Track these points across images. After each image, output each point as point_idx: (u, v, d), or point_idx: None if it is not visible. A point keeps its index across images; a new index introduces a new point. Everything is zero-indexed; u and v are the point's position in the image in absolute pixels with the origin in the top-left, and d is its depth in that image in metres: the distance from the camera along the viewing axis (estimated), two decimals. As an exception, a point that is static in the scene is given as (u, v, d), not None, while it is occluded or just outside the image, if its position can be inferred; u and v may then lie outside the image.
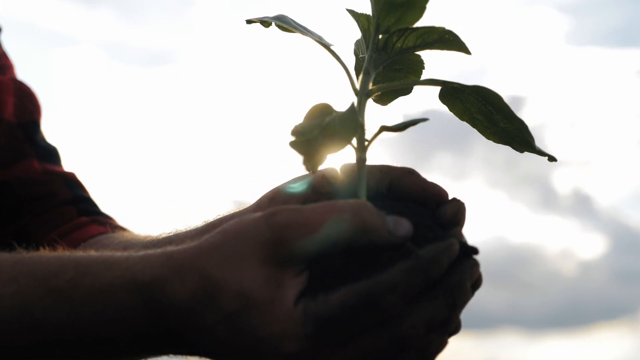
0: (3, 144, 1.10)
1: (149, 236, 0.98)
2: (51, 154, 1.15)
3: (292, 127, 0.69)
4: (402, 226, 0.67)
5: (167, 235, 0.93)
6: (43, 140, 1.16)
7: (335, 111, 0.71)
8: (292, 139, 0.68)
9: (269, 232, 0.65)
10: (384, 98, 0.79)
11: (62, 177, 1.13)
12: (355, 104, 0.74)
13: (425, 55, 0.78)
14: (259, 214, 0.67)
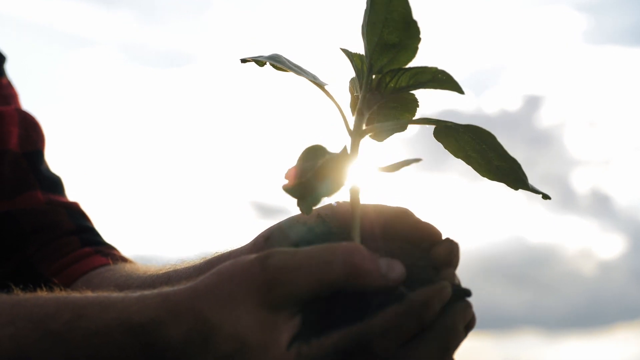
0: (7, 175, 1.11)
1: (149, 269, 0.99)
2: (55, 184, 1.16)
3: (285, 170, 0.69)
4: (395, 269, 0.67)
5: (167, 270, 0.94)
6: (47, 170, 1.17)
7: (328, 153, 0.71)
8: (285, 182, 0.68)
9: (262, 275, 0.66)
10: (380, 135, 0.80)
11: (65, 207, 1.14)
12: (350, 144, 0.75)
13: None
14: (253, 256, 0.68)
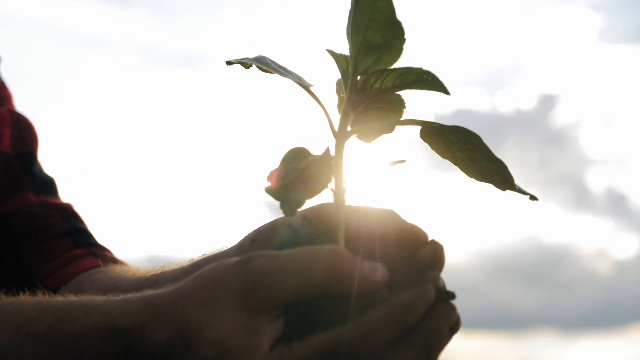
0: (0, 177, 1.12)
1: (138, 271, 0.99)
2: (47, 185, 1.16)
3: (268, 172, 0.69)
4: (377, 272, 0.67)
5: (155, 273, 0.94)
6: (40, 171, 1.17)
7: (311, 155, 0.71)
8: (267, 184, 0.68)
9: (243, 279, 0.66)
10: (368, 136, 0.79)
11: (58, 209, 1.14)
12: (334, 146, 0.74)
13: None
14: (235, 259, 0.67)
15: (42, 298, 0.73)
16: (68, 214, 1.15)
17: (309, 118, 0.80)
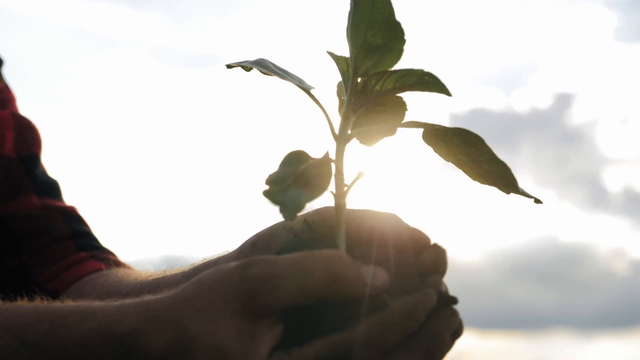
0: (2, 180, 1.11)
1: (140, 275, 0.99)
2: (51, 188, 1.16)
3: (266, 175, 0.68)
4: (378, 277, 0.66)
5: (156, 277, 0.93)
6: (43, 174, 1.16)
7: (311, 158, 0.70)
8: (266, 187, 0.67)
9: (242, 284, 0.65)
10: (369, 139, 0.79)
11: (61, 212, 1.13)
12: (335, 149, 0.73)
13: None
14: (233, 264, 0.67)
15: (39, 303, 0.72)
16: (71, 216, 1.14)
17: (310, 121, 0.79)
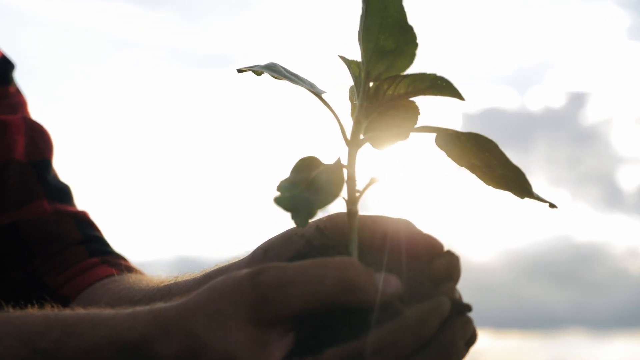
0: (13, 185, 1.10)
1: (152, 281, 0.98)
2: (62, 193, 1.15)
3: (277, 182, 0.68)
4: (391, 284, 0.65)
5: (168, 283, 0.93)
6: (54, 179, 1.16)
7: (322, 164, 0.69)
8: (277, 194, 0.67)
9: (253, 291, 0.64)
10: (382, 144, 0.78)
11: (72, 217, 1.13)
12: (347, 154, 0.73)
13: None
14: (245, 271, 0.66)
15: (49, 311, 0.72)
16: (83, 221, 1.14)
17: (322, 125, 0.79)
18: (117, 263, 1.10)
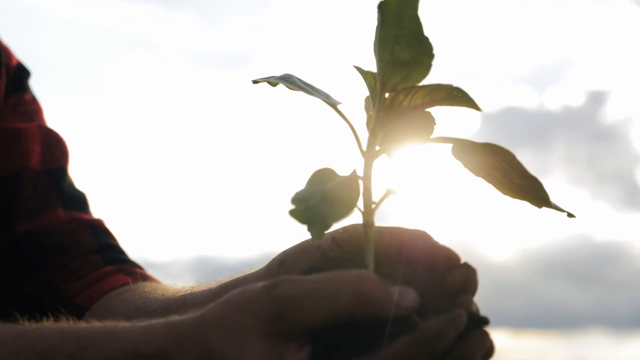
0: (28, 193, 1.11)
1: (167, 291, 0.98)
2: (78, 201, 1.15)
3: (293, 194, 0.67)
4: (407, 297, 0.65)
5: (184, 294, 0.93)
6: (70, 186, 1.16)
7: (338, 176, 0.69)
8: (292, 207, 0.66)
9: (269, 305, 0.64)
10: (397, 154, 0.78)
11: (88, 225, 1.13)
12: (363, 165, 0.72)
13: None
14: (261, 284, 0.66)
15: (64, 324, 0.72)
16: (98, 229, 1.14)
17: (338, 136, 0.78)
18: (132, 271, 1.10)
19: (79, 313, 1.04)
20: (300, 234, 0.80)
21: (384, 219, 0.74)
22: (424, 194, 0.79)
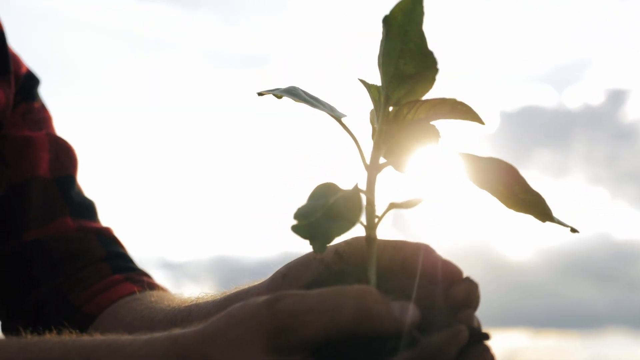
0: (37, 202, 1.11)
1: (173, 301, 0.98)
2: (86, 209, 1.16)
3: (295, 209, 0.67)
4: (408, 313, 0.65)
5: (189, 304, 0.93)
6: (78, 195, 1.16)
7: (341, 190, 0.69)
8: (294, 222, 0.66)
9: (271, 319, 0.64)
10: (402, 167, 0.78)
11: (96, 233, 1.13)
12: (366, 179, 0.72)
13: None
14: (262, 298, 0.66)
15: (66, 338, 0.72)
16: (106, 238, 1.14)
17: (343, 150, 0.78)
18: (140, 280, 1.10)
19: (86, 321, 1.04)
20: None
21: (386, 232, 0.74)
22: (437, 201, 0.79)
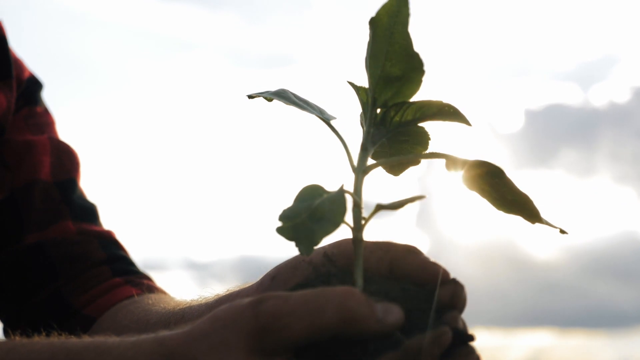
0: (38, 205, 1.12)
1: (169, 303, 0.99)
2: (88, 213, 1.16)
3: (280, 211, 0.68)
4: (392, 314, 0.65)
5: (183, 307, 0.93)
6: (80, 198, 1.17)
7: (326, 192, 0.69)
8: (279, 224, 0.67)
9: (254, 321, 0.65)
10: (392, 170, 0.78)
11: (97, 237, 1.14)
12: (353, 181, 0.72)
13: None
14: (247, 300, 0.66)
15: (55, 339, 0.73)
16: (107, 241, 1.15)
17: (331, 153, 0.79)
18: (140, 283, 1.11)
19: (87, 324, 1.05)
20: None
21: (374, 234, 0.74)
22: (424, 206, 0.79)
